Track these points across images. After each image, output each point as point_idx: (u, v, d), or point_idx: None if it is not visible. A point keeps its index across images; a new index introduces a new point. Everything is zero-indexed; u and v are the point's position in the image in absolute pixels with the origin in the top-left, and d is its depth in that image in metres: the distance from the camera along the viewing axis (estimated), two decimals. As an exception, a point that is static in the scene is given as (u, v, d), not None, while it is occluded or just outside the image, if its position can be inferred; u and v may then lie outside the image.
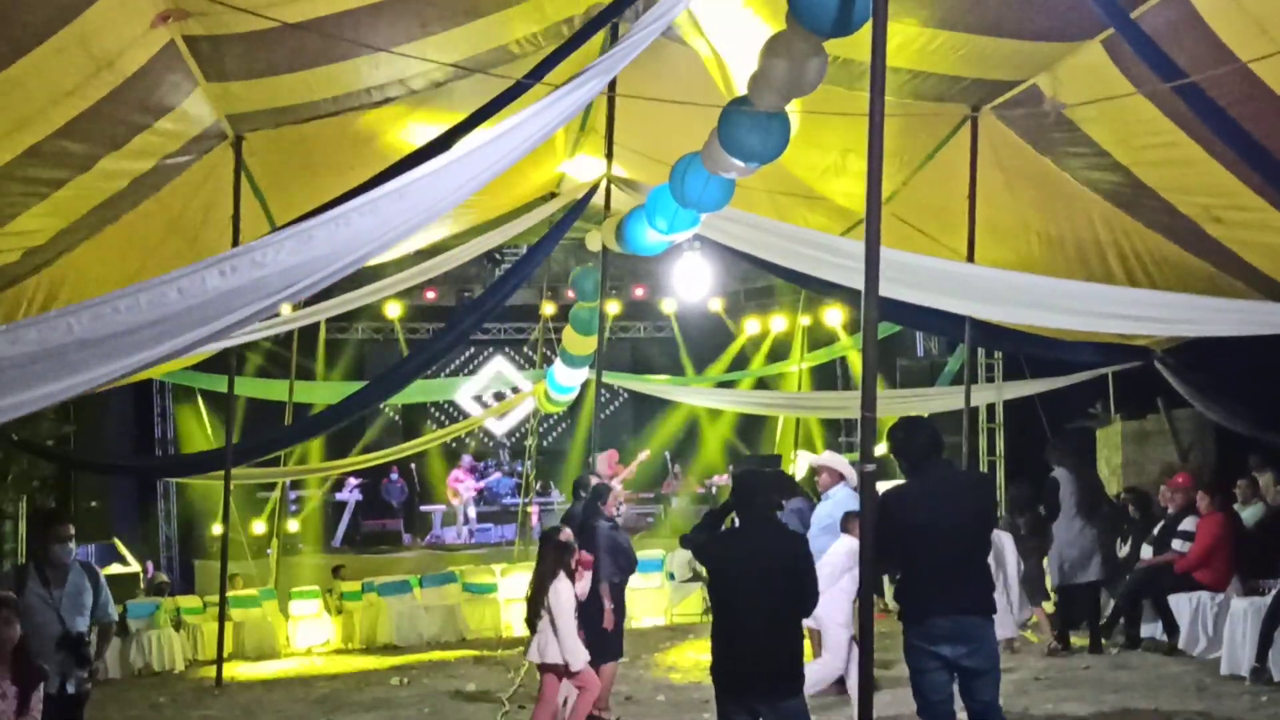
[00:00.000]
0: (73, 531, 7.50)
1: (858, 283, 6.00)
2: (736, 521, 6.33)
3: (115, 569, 17.93)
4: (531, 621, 8.45)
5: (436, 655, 14.34)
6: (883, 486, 6.19)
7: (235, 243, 10.27)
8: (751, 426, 22.98)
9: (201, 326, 4.57)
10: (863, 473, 5.83)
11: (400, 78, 9.47)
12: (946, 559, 6.11)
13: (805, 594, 6.08)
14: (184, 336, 4.56)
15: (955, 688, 6.19)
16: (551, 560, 8.43)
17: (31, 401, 4.24)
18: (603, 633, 9.46)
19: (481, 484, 22.63)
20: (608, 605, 9.57)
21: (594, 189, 11.68)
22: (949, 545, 6.11)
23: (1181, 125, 8.50)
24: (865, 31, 6.02)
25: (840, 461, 10.47)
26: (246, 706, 11.57)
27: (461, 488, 21.92)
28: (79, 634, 7.33)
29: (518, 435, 24.82)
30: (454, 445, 23.66)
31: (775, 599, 5.94)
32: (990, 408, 17.82)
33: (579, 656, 8.40)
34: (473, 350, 24.38)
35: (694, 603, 16.05)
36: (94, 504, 19.09)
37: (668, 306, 22.53)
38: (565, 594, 8.32)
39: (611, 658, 9.66)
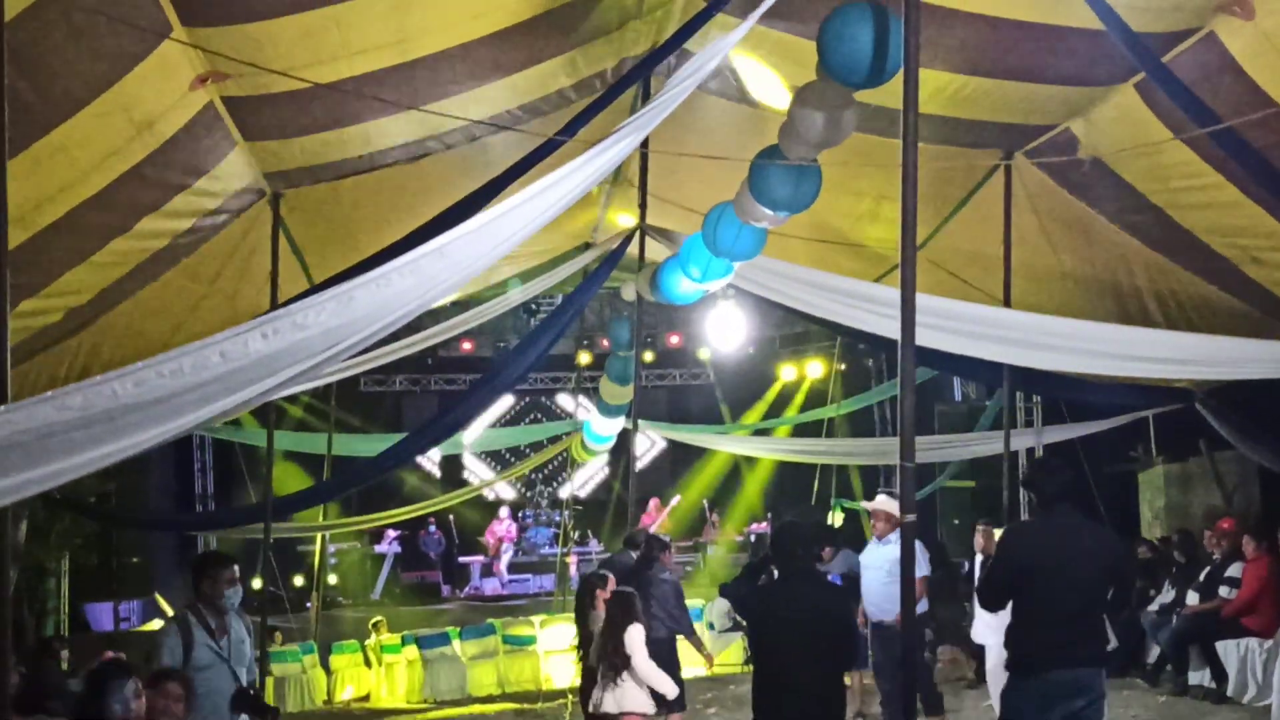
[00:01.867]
0: (238, 573, 6.96)
1: (892, 330, 5.97)
2: (776, 574, 6.31)
3: (157, 624, 18.04)
4: (607, 673, 8.40)
5: (477, 709, 14.30)
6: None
7: (274, 299, 10.33)
8: (790, 473, 22.90)
9: (245, 389, 4.59)
10: (903, 524, 5.78)
11: (435, 133, 9.55)
12: (1068, 608, 5.95)
13: (846, 647, 6.05)
14: (228, 399, 4.59)
15: None
16: (622, 611, 8.41)
17: (77, 468, 4.26)
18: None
19: (513, 533, 22.64)
20: (709, 652, 9.65)
21: (628, 239, 11.72)
22: (1072, 593, 5.95)
23: (1217, 167, 8.45)
24: (897, 79, 6.03)
25: (895, 505, 10.47)
26: (287, 762, 11.56)
27: (493, 539, 21.95)
28: (254, 687, 6.89)
29: (555, 485, 24.84)
30: (493, 497, 23.72)
31: (817, 652, 5.90)
32: (1030, 452, 17.68)
33: (671, 687, 8.46)
34: (510, 400, 24.44)
35: (734, 652, 15.92)
36: (135, 560, 19.25)
37: (703, 354, 22.54)
38: (639, 639, 8.32)
39: (679, 708, 9.74)
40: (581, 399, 22.37)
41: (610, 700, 8.33)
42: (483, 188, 6.69)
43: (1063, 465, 6.92)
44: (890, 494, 11.14)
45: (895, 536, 10.08)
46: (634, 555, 10.54)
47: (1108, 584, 6.37)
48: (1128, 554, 6.43)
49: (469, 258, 5.44)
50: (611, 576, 8.98)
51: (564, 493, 23.49)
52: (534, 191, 5.56)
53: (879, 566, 10.15)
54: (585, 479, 24.93)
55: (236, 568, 6.94)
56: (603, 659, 8.40)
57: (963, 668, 13.03)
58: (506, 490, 24.64)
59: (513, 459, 23.36)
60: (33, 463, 4.15)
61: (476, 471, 24.48)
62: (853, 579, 11.03)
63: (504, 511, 22.49)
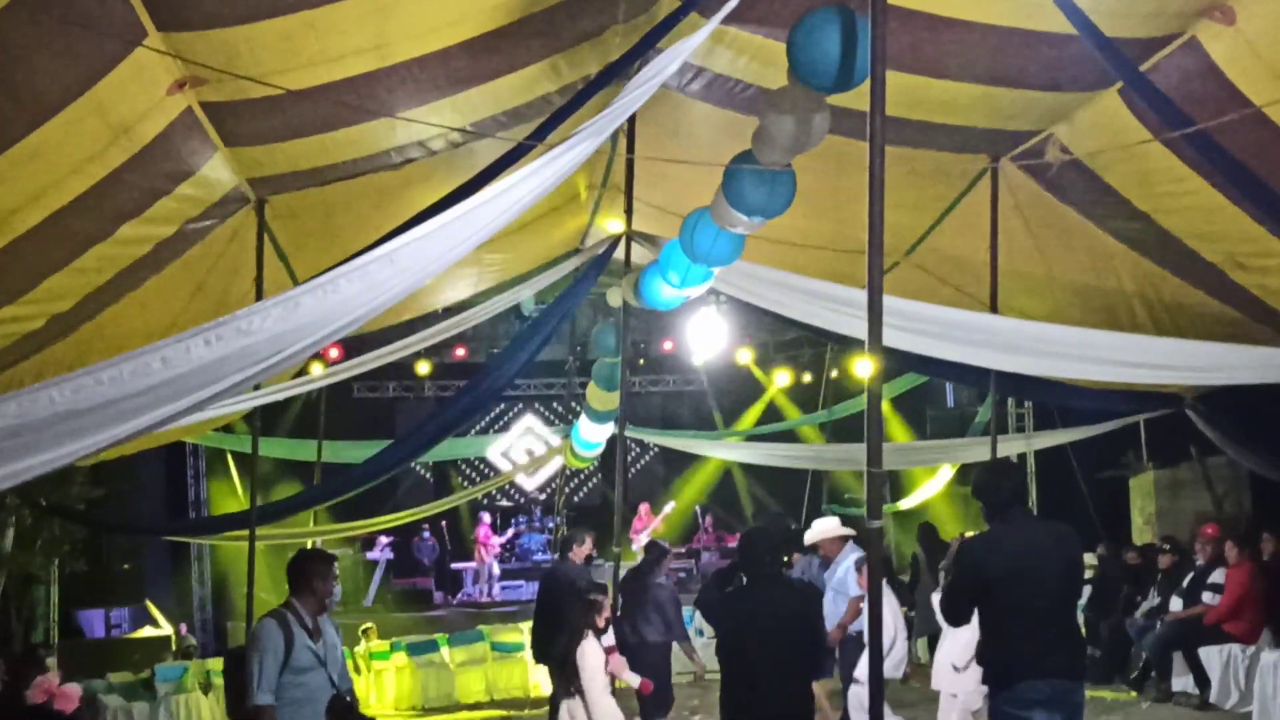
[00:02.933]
0: (338, 570, 6.69)
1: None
2: (744, 580, 6.28)
3: (147, 631, 18.04)
4: (564, 684, 8.27)
5: (464, 716, 14.26)
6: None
7: (260, 305, 10.30)
8: (783, 480, 22.87)
9: (186, 396, 4.53)
10: (869, 530, 5.75)
11: (419, 139, 9.52)
12: (1036, 616, 5.83)
13: (815, 651, 6.03)
14: (168, 406, 4.52)
15: None
16: (578, 621, 8.30)
17: (13, 475, 4.20)
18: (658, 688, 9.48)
19: (504, 538, 22.57)
20: (700, 660, 9.63)
21: (614, 244, 11.71)
22: (1037, 600, 5.83)
23: (1200, 172, 8.45)
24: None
25: (830, 528, 10.40)
26: (273, 769, 11.49)
27: (486, 545, 21.88)
28: (350, 694, 6.60)
29: (549, 491, 24.80)
30: (484, 502, 23.68)
31: (785, 657, 5.88)
32: (1021, 458, 17.66)
33: (613, 717, 8.29)
34: (502, 406, 24.40)
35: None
36: (126, 567, 19.21)
37: (696, 360, 22.52)
38: (593, 656, 8.16)
39: (662, 713, 9.71)
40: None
41: (564, 713, 8.23)
42: (450, 194, 6.65)
43: (1011, 467, 6.87)
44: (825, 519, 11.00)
45: (841, 555, 10.09)
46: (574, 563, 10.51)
47: (1074, 582, 6.32)
48: (1079, 544, 6.23)
49: (419, 263, 5.37)
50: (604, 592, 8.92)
51: (558, 500, 23.52)
52: (488, 196, 5.52)
53: (830, 585, 10.13)
54: (577, 484, 24.92)
55: (336, 564, 6.79)
56: (560, 669, 8.30)
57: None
58: (530, 484, 24.63)
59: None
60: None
61: (467, 478, 24.45)
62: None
63: (486, 516, 22.41)
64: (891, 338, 7.25)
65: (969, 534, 8.75)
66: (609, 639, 8.79)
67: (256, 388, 10.13)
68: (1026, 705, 5.77)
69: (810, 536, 10.62)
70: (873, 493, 5.66)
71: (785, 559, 11.06)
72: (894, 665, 9.65)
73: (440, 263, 5.70)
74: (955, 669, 9.38)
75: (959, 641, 9.12)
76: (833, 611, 9.25)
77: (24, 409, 4.01)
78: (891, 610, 10.13)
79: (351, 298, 4.94)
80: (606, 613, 8.65)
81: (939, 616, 8.25)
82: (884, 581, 9.75)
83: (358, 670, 15.73)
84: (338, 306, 4.89)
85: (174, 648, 17.22)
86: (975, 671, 7.81)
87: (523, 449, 23.05)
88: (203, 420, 11.74)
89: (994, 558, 5.93)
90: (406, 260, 5.22)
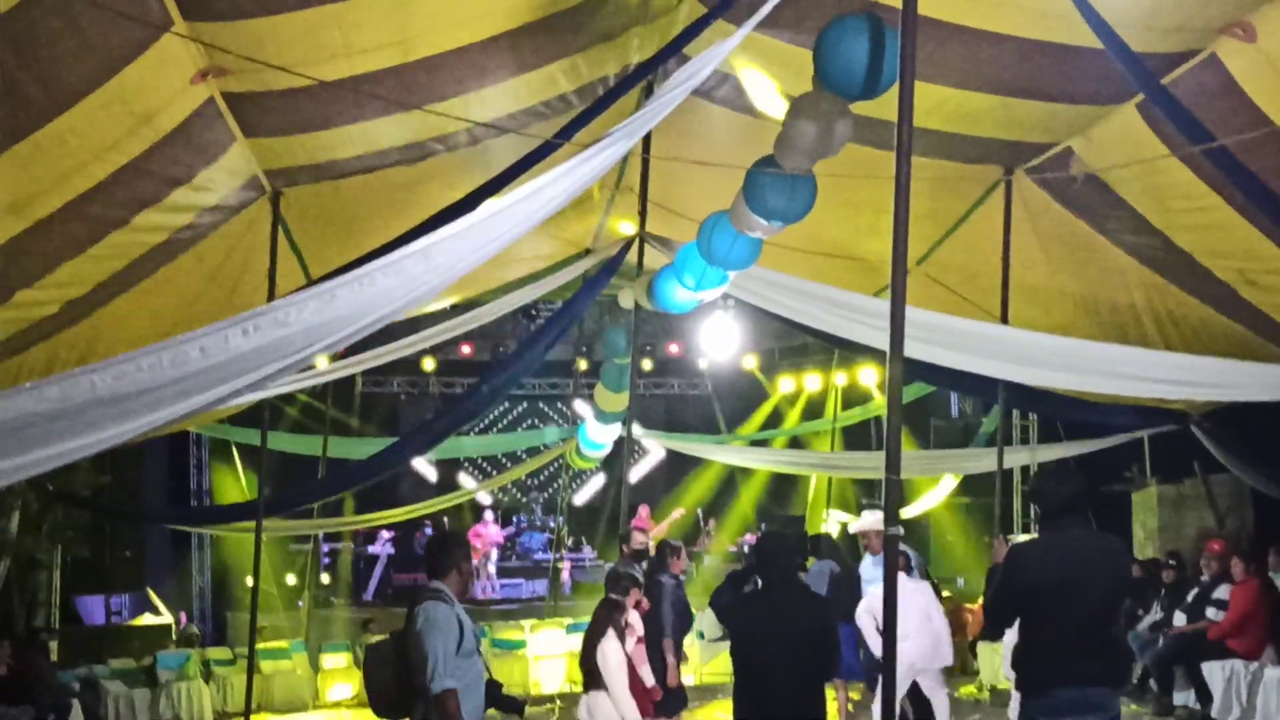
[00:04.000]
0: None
1: (885, 342, 5.95)
2: (759, 583, 6.29)
3: (148, 619, 18.07)
4: (585, 683, 8.31)
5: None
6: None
7: (271, 297, 10.32)
8: (785, 485, 22.92)
9: (223, 384, 4.58)
10: (887, 537, 5.75)
11: (436, 135, 9.55)
12: (1076, 626, 5.68)
13: (829, 656, 6.03)
14: (206, 394, 4.58)
15: None
16: (601, 619, 8.31)
17: (54, 458, 4.25)
18: (666, 688, 9.46)
19: (502, 536, 22.57)
20: (670, 660, 9.58)
21: (627, 246, 11.72)
22: (1080, 611, 5.67)
23: (1216, 189, 8.47)
24: (894, 91, 6.03)
25: (878, 520, 10.46)
26: (273, 760, 11.55)
27: (479, 542, 21.84)
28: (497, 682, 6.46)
29: (550, 490, 24.83)
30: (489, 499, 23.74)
31: (799, 661, 5.88)
32: (1025, 469, 17.68)
33: (633, 716, 8.34)
34: (507, 405, 24.42)
35: (723, 661, 15.86)
36: (128, 554, 19.24)
37: (702, 364, 22.53)
38: (614, 655, 8.18)
39: (674, 712, 9.69)
40: (578, 404, 22.37)
41: (584, 709, 8.26)
42: (476, 191, 6.67)
43: (1072, 473, 6.67)
44: (874, 506, 11.11)
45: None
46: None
47: (1120, 597, 6.16)
48: (1130, 562, 6.07)
49: (452, 259, 5.39)
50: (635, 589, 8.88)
51: (561, 499, 23.53)
52: (521, 195, 5.54)
53: (877, 581, 10.15)
54: (581, 486, 24.94)
55: None
56: (582, 669, 8.32)
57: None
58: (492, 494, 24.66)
59: (508, 463, 23.37)
60: (10, 452, 4.15)
61: (469, 476, 24.45)
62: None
63: (489, 515, 22.39)
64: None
65: (1018, 539, 8.80)
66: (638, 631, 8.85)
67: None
68: (1056, 712, 5.69)
69: (857, 526, 10.67)
70: (891, 499, 5.66)
71: (801, 563, 11.13)
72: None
73: (473, 259, 5.70)
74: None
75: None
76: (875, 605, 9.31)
77: (66, 393, 4.06)
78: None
79: (386, 291, 4.97)
80: (631, 611, 8.67)
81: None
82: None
83: (358, 664, 15.70)
84: (373, 299, 4.93)
85: (174, 636, 17.24)
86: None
87: (524, 449, 23.11)
88: (212, 411, 11.77)
89: (1041, 565, 5.79)
90: (440, 256, 5.24)
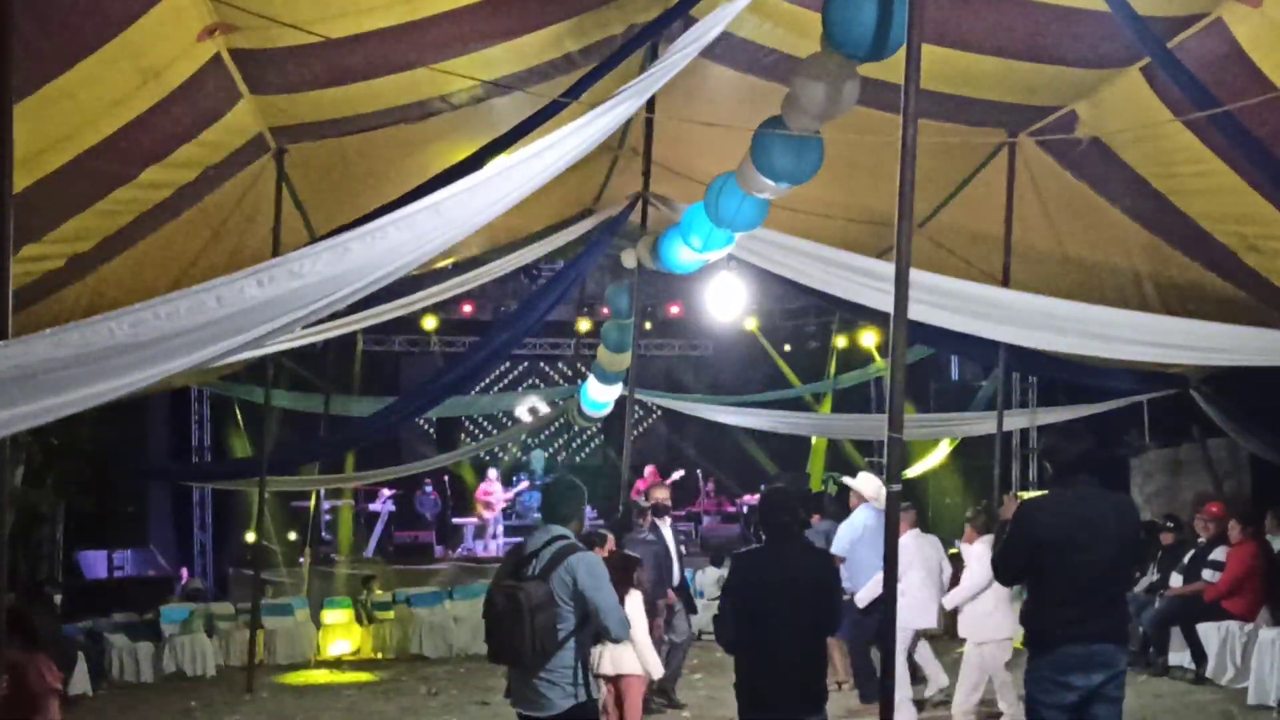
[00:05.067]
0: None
1: (889, 304, 6.00)
2: (762, 538, 6.34)
3: (150, 574, 18.19)
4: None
5: (464, 666, 14.42)
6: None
7: (275, 254, 10.36)
8: (785, 446, 22.97)
9: (238, 335, 4.65)
10: (889, 493, 5.83)
11: (442, 94, 9.56)
12: (1084, 583, 5.77)
13: (830, 612, 6.10)
14: (221, 344, 4.64)
15: None
16: (619, 576, 8.42)
17: (71, 404, 4.32)
18: None
19: (510, 495, 22.64)
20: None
21: (630, 206, 11.75)
22: (1086, 568, 5.76)
23: (1219, 153, 8.49)
24: (900, 53, 6.05)
25: (866, 485, 10.55)
26: (276, 713, 11.67)
27: (492, 499, 21.92)
28: None
29: (551, 450, 24.91)
30: (486, 458, 23.80)
31: (801, 616, 5.94)
32: (1024, 433, 17.76)
33: (658, 666, 8.50)
34: (508, 365, 24.47)
35: (722, 621, 15.98)
36: (131, 509, 19.32)
37: (702, 325, 22.58)
38: (635, 607, 8.33)
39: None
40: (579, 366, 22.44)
41: (607, 662, 8.38)
42: (484, 148, 6.70)
43: (1084, 433, 6.75)
44: (877, 467, 11.21)
45: (855, 513, 10.31)
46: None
47: (1129, 555, 6.23)
48: (1139, 522, 6.12)
49: (464, 215, 5.45)
50: (610, 535, 9.00)
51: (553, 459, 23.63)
52: (531, 152, 5.57)
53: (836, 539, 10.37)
54: (579, 445, 25.05)
55: None
56: None
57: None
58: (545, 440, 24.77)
59: (508, 422, 23.45)
60: (29, 397, 4.22)
61: (471, 434, 24.53)
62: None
63: (493, 473, 22.45)
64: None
65: (1025, 495, 8.90)
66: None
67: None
68: (1063, 669, 5.78)
69: (859, 487, 10.66)
70: (893, 457, 5.73)
71: (805, 519, 11.21)
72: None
73: (484, 215, 5.74)
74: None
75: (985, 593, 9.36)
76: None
77: (85, 339, 4.12)
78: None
79: (399, 245, 5.02)
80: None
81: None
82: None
83: (359, 620, 15.85)
84: (385, 254, 4.98)
85: (178, 591, 17.37)
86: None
87: (527, 408, 23.18)
88: (215, 367, 11.83)
89: (1048, 522, 5.87)
90: (452, 211, 5.29)
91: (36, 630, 7.89)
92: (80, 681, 12.74)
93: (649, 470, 20.69)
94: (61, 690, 7.56)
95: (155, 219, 9.59)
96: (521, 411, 22.67)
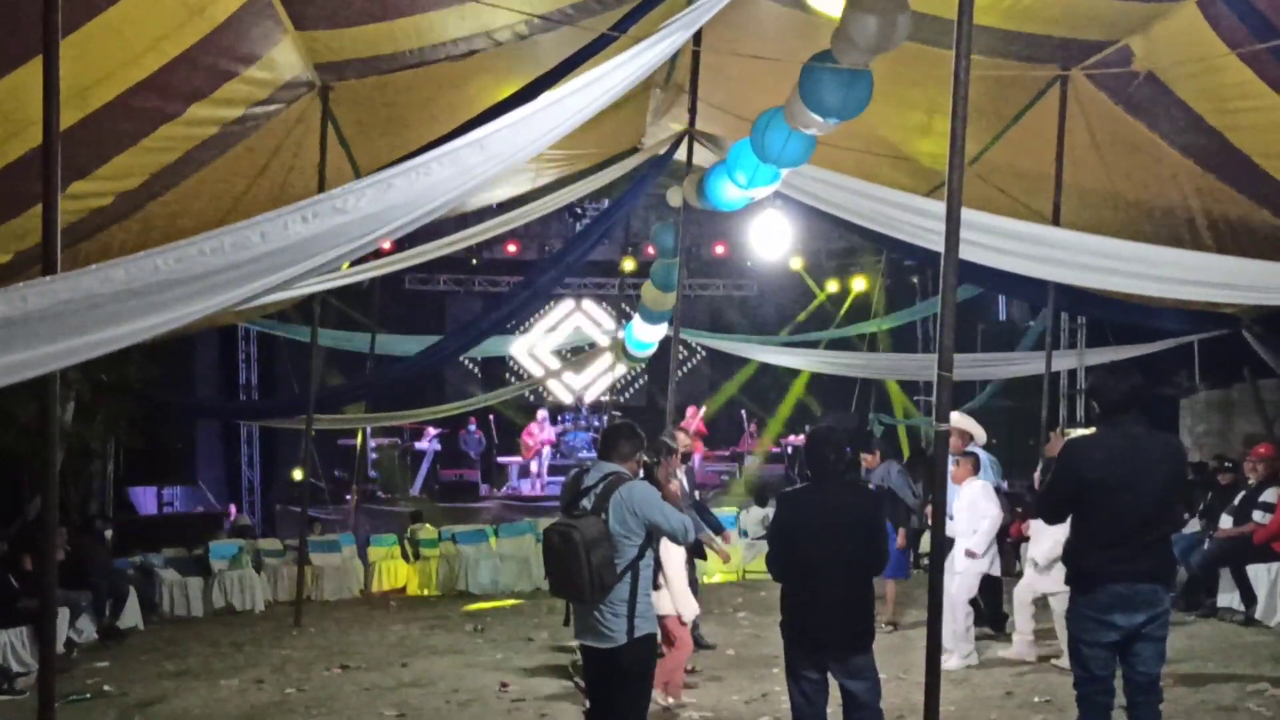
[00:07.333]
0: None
1: (938, 244, 5.92)
2: (809, 476, 6.30)
3: (199, 511, 18.44)
4: None
5: (510, 603, 14.54)
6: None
7: (321, 191, 10.36)
8: (829, 387, 22.94)
9: (282, 270, 4.66)
10: (937, 433, 5.78)
11: (485, 30, 9.48)
12: (1128, 523, 5.73)
13: (876, 550, 6.07)
14: (266, 279, 4.65)
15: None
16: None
17: (118, 338, 4.35)
18: None
19: (554, 435, 22.74)
20: None
21: (676, 144, 11.65)
22: (1131, 508, 5.72)
23: (1276, 88, 8.32)
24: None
25: (977, 427, 10.51)
26: (324, 648, 11.80)
27: (533, 440, 22.02)
28: None
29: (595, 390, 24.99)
30: (531, 399, 23.90)
31: (847, 555, 5.92)
32: (1072, 374, 17.61)
33: (691, 609, 8.51)
34: (552, 304, 24.51)
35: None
36: (179, 446, 19.56)
37: (748, 264, 22.51)
38: (677, 552, 8.31)
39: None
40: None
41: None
42: (532, 83, 6.65)
43: (1131, 371, 6.65)
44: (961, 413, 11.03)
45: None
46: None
47: (1174, 496, 6.17)
48: (1185, 461, 6.06)
49: (508, 150, 5.40)
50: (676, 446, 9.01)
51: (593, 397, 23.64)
52: (575, 86, 5.51)
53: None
54: (622, 386, 25.07)
55: None
56: None
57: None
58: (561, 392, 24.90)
59: (558, 361, 23.52)
60: (77, 331, 4.25)
61: (521, 371, 24.60)
62: (886, 490, 11.15)
63: (542, 414, 22.53)
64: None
65: (1073, 433, 8.81)
66: None
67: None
68: (1106, 609, 5.75)
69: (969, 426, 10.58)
70: (942, 397, 5.67)
71: (854, 459, 11.16)
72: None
73: (529, 150, 5.71)
74: (1035, 565, 9.63)
75: (1044, 541, 9.30)
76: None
77: (131, 275, 4.14)
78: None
79: (443, 180, 4.99)
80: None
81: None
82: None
83: (405, 557, 15.98)
84: (429, 189, 4.95)
85: (226, 527, 17.59)
86: (1058, 571, 7.95)
87: (570, 347, 23.20)
88: (262, 306, 11.88)
89: (1094, 460, 5.81)
90: (496, 146, 5.26)
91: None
92: (131, 615, 12.95)
93: (690, 411, 20.71)
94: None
95: (202, 156, 9.61)
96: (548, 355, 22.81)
